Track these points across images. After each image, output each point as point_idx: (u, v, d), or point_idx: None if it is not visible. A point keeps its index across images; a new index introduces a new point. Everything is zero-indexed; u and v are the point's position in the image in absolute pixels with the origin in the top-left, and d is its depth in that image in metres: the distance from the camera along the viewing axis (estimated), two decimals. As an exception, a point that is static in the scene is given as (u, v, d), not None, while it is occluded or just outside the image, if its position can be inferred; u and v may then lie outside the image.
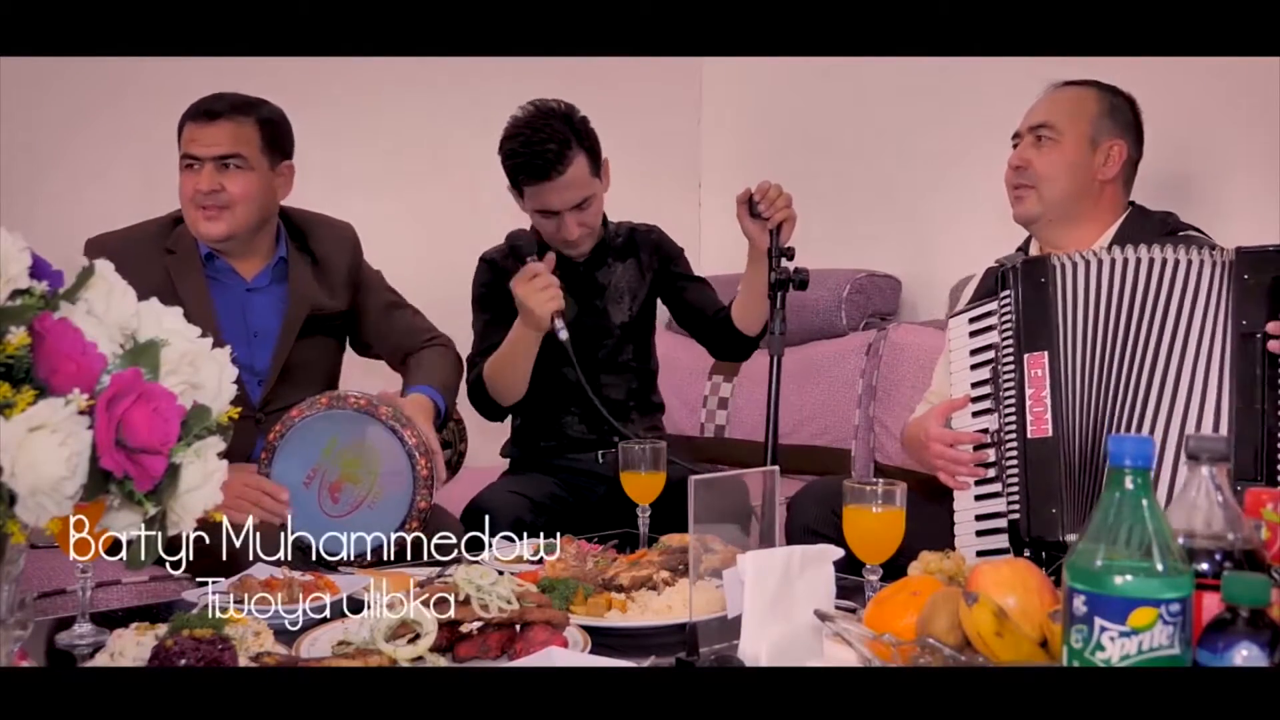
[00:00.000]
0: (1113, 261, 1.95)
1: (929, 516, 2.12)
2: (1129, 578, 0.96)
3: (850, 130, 3.58)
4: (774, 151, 3.78)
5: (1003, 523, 2.01)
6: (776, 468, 1.53)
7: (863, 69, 3.44)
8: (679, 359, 3.30)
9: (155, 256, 2.30)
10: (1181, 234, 2.12)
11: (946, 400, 2.14)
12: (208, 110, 2.27)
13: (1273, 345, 1.78)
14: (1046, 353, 1.96)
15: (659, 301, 2.76)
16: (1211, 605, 1.03)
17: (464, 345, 2.68)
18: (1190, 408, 1.86)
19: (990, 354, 2.07)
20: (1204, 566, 1.07)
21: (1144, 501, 0.98)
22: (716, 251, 3.79)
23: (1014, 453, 1.99)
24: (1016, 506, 1.97)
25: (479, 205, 3.53)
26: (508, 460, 2.81)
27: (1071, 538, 1.84)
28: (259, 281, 2.38)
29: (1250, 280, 1.82)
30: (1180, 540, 1.02)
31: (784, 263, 2.16)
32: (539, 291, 2.33)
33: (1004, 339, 2.04)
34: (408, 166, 3.47)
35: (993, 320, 2.07)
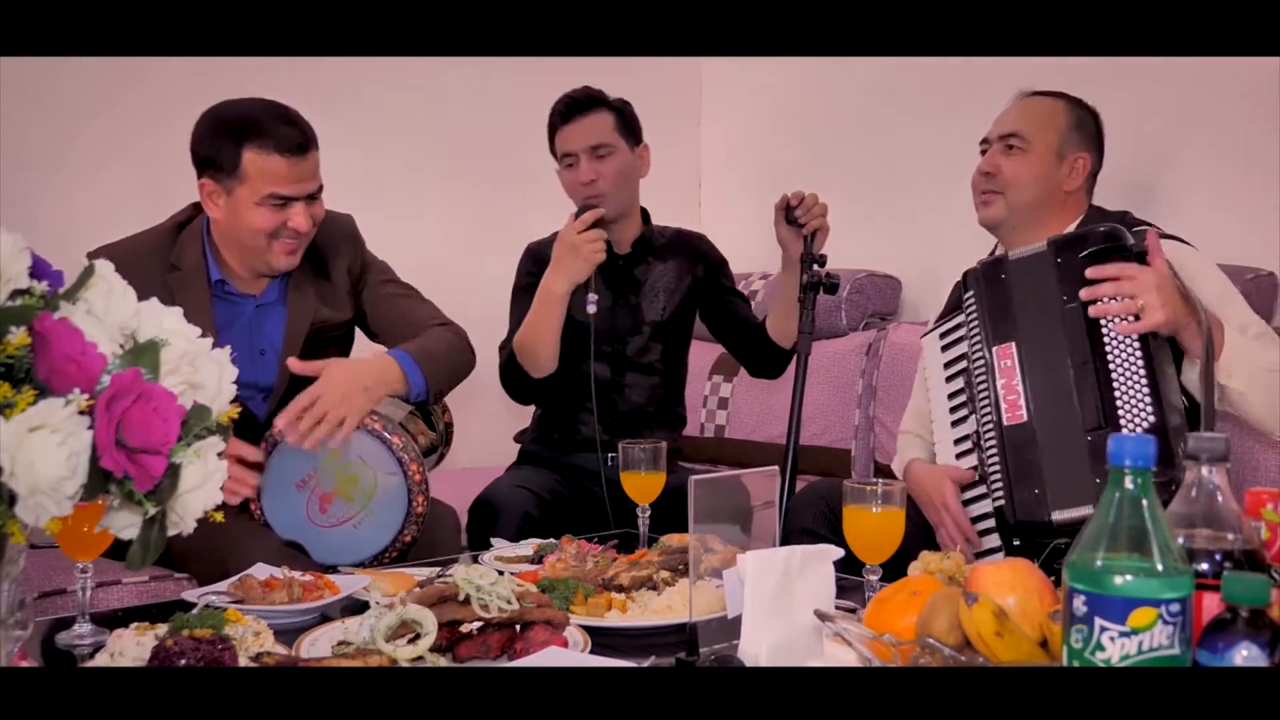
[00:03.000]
0: (1048, 254, 2.04)
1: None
2: (1129, 578, 0.96)
3: (850, 130, 3.58)
4: (773, 152, 3.78)
5: (990, 523, 2.04)
6: (775, 468, 1.53)
7: (863, 69, 3.44)
8: (679, 359, 3.30)
9: (157, 273, 2.19)
10: (1135, 229, 2.12)
11: (959, 471, 2.16)
12: None
13: (1093, 310, 1.93)
14: (1014, 342, 2.03)
15: (698, 313, 2.78)
16: (1211, 605, 1.03)
17: (484, 338, 2.67)
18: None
19: (962, 364, 2.14)
20: (1204, 566, 1.07)
21: (1144, 501, 0.98)
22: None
23: (993, 444, 2.02)
24: (1001, 495, 2.00)
25: (475, 208, 3.54)
26: (517, 448, 2.83)
27: (1057, 514, 1.90)
28: (267, 297, 2.30)
29: (1062, 262, 2.00)
30: (1180, 540, 1.02)
31: (815, 267, 2.23)
32: (591, 241, 2.41)
33: (973, 339, 2.10)
34: (403, 167, 3.47)
35: (961, 333, 2.15)
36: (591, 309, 2.47)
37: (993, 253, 2.31)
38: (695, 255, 2.75)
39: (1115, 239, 1.99)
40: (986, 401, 2.05)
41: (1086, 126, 2.27)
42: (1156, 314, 1.88)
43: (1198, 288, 1.98)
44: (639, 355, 2.70)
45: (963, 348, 2.15)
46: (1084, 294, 1.94)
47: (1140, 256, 1.97)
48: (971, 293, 2.13)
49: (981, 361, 2.07)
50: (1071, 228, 2.20)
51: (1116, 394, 1.89)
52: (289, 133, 2.15)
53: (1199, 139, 2.80)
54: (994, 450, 2.02)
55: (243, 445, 2.02)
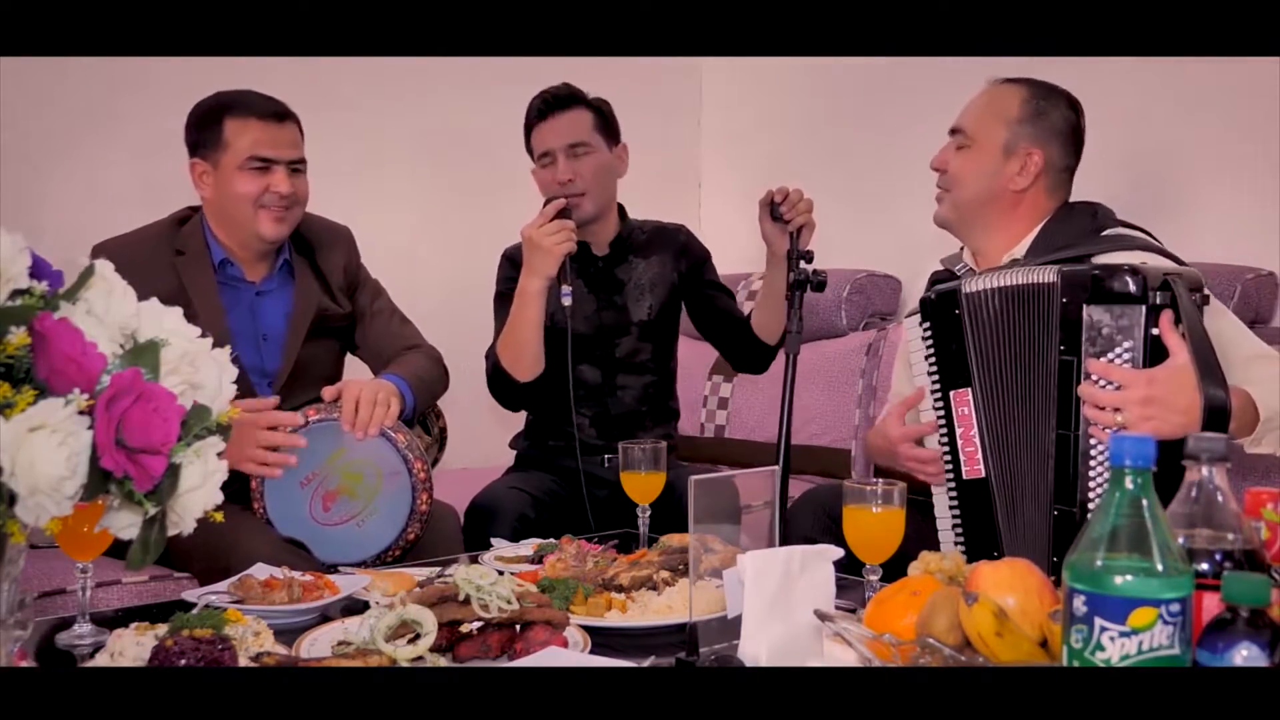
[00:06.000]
0: (1013, 289, 1.89)
1: (927, 517, 2.13)
2: (1129, 578, 0.96)
3: (850, 130, 3.57)
4: (773, 152, 3.78)
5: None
6: (776, 468, 1.53)
7: (863, 68, 3.44)
8: (679, 359, 3.29)
9: (164, 258, 2.29)
10: (1109, 232, 2.02)
11: (900, 399, 2.10)
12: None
13: (1084, 410, 1.78)
14: (969, 389, 1.93)
15: (682, 305, 2.73)
16: (1211, 605, 1.04)
17: (469, 349, 2.68)
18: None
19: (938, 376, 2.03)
20: (1204, 566, 1.07)
21: (1144, 501, 0.98)
22: (716, 252, 3.77)
23: (954, 490, 1.97)
24: (963, 542, 1.95)
25: (473, 207, 3.54)
26: (514, 454, 2.80)
27: None
28: (267, 285, 2.38)
29: (1068, 303, 1.82)
30: (1180, 540, 1.02)
31: (802, 264, 2.16)
32: (553, 233, 2.36)
33: (931, 374, 2.00)
34: (405, 167, 3.47)
35: (929, 345, 2.02)
36: (566, 301, 2.41)
37: (959, 261, 2.19)
38: (678, 250, 2.70)
39: (1124, 289, 1.77)
40: (947, 447, 1.96)
41: (1046, 118, 2.09)
42: (1139, 428, 1.71)
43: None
44: (630, 356, 2.66)
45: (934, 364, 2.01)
46: (1080, 390, 1.79)
47: (1155, 309, 1.75)
48: (928, 324, 2.00)
49: (939, 394, 1.97)
50: (1035, 231, 2.08)
51: (1091, 479, 1.78)
52: (265, 102, 2.30)
53: (1198, 138, 2.80)
54: (955, 496, 1.96)
55: (281, 414, 2.08)
